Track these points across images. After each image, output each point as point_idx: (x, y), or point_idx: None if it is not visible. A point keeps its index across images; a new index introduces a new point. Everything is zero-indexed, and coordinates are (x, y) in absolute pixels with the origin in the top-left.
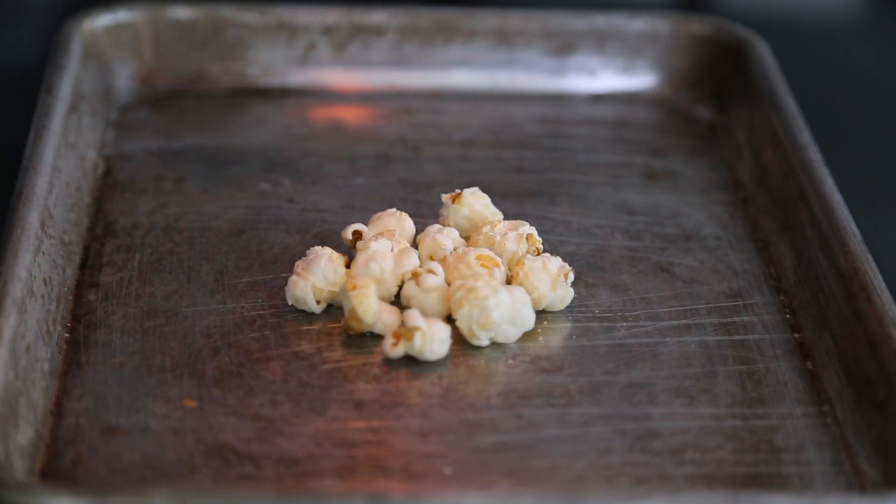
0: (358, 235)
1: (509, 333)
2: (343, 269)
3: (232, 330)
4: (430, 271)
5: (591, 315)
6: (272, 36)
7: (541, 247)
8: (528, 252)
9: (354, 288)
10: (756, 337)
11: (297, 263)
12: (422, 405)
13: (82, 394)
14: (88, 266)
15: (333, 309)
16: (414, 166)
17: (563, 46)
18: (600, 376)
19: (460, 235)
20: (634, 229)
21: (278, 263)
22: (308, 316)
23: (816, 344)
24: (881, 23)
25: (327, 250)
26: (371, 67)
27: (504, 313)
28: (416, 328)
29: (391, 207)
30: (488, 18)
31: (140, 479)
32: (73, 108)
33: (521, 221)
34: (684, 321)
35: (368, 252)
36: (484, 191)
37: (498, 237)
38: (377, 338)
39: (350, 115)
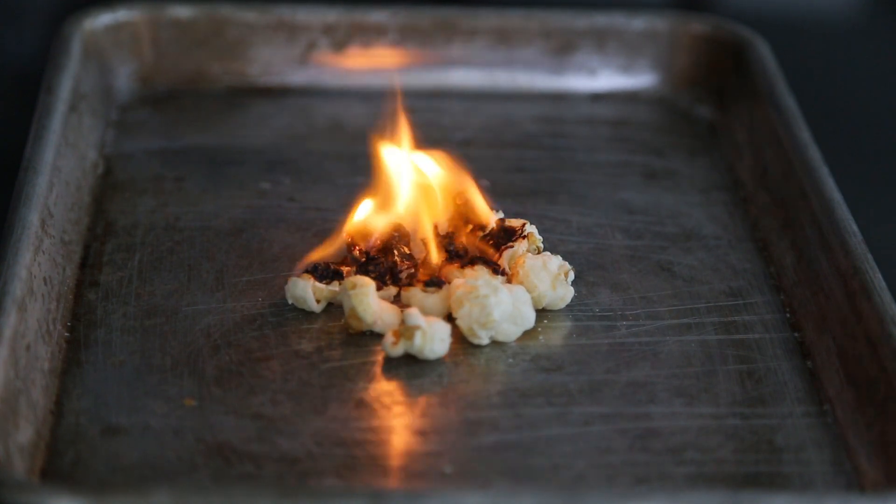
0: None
1: (509, 332)
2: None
3: (232, 329)
4: None
5: (591, 314)
6: (272, 35)
7: (541, 245)
8: (528, 251)
9: (354, 287)
10: (756, 336)
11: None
12: (422, 404)
13: (82, 393)
14: (88, 265)
15: (333, 308)
16: None
17: (563, 46)
18: (600, 375)
19: None
20: (634, 228)
21: (278, 262)
22: (308, 315)
23: (816, 343)
24: (881, 23)
25: None
26: (371, 67)
27: (504, 312)
28: (416, 327)
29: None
30: (488, 18)
31: (140, 479)
32: (73, 108)
33: (521, 220)
34: (684, 320)
35: None
36: (484, 191)
37: None
38: (377, 337)
39: (350, 115)
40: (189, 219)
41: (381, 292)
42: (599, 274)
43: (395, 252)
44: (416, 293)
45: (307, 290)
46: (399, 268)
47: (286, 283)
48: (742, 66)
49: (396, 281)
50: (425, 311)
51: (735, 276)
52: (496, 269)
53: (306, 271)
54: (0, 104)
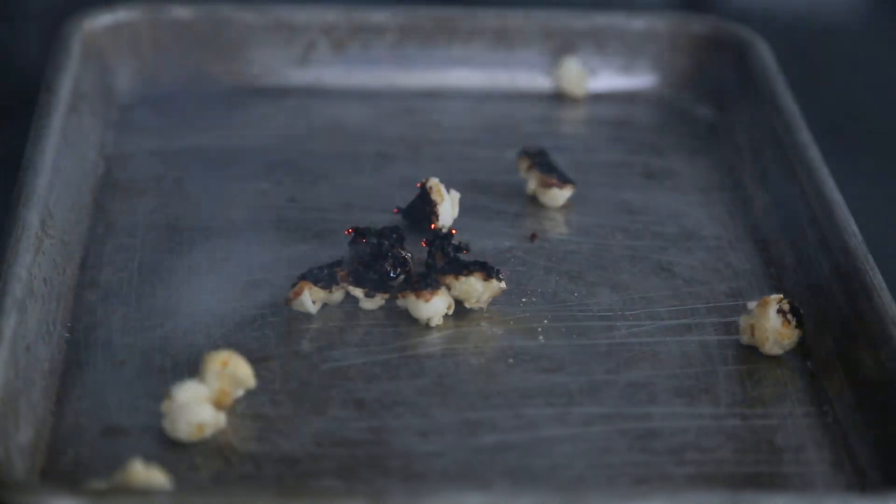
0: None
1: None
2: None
3: (232, 329)
4: None
5: (591, 314)
6: (272, 36)
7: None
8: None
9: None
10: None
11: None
12: (422, 405)
13: (82, 394)
14: (88, 266)
15: (334, 308)
16: (414, 166)
17: (563, 46)
18: (600, 376)
19: None
20: (634, 228)
21: (278, 263)
22: (308, 315)
23: (816, 344)
24: (881, 23)
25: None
26: (371, 67)
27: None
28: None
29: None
30: (488, 18)
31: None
32: (73, 108)
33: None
34: (684, 320)
35: None
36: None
37: None
38: (377, 337)
39: (350, 114)
40: (189, 219)
41: (372, 301)
42: (599, 274)
43: (390, 256)
44: (411, 298)
45: (304, 294)
46: (393, 273)
47: (289, 294)
48: (742, 66)
49: (388, 288)
50: (425, 313)
51: (735, 277)
52: (490, 273)
53: (302, 278)
54: (0, 104)
